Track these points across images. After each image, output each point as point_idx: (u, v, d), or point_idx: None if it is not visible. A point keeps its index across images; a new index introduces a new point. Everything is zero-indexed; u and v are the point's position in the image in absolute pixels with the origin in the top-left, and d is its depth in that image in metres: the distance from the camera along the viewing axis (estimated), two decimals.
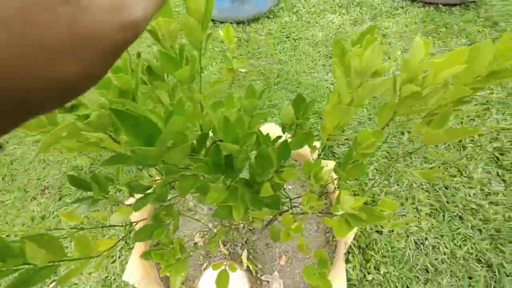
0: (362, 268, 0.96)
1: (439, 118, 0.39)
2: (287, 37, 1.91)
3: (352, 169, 0.46)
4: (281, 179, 0.41)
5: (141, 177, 0.49)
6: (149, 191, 0.51)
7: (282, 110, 0.52)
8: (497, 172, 1.17)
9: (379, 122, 0.45)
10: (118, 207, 1.08)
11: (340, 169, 0.47)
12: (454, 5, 2.02)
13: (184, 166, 0.33)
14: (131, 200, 0.56)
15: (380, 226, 1.05)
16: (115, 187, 1.16)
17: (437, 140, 0.41)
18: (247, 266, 0.87)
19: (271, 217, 0.76)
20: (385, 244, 1.01)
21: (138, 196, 0.49)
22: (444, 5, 2.03)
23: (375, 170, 1.22)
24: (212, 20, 2.10)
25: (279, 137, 0.50)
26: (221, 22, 2.07)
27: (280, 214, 0.62)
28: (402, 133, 1.33)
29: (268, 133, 0.48)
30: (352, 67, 0.36)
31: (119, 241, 0.44)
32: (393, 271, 0.95)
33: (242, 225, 0.96)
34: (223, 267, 0.54)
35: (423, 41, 0.34)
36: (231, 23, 2.05)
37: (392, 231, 1.04)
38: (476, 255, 0.97)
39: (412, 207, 1.10)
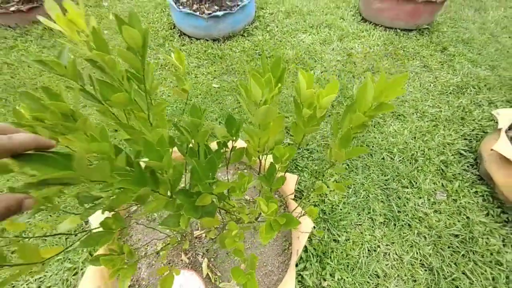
0: (318, 275, 1.02)
1: (343, 139, 0.47)
2: (259, 55, 2.02)
3: (276, 182, 0.53)
4: (209, 189, 0.47)
5: (91, 188, 0.53)
6: (98, 201, 0.55)
7: (216, 129, 0.58)
8: (442, 183, 1.30)
9: (295, 139, 0.53)
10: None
11: (263, 181, 0.54)
12: (411, 30, 2.24)
13: (114, 181, 0.38)
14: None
15: (337, 235, 1.12)
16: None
17: (341, 158, 0.48)
18: (207, 274, 0.91)
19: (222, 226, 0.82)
20: (341, 252, 1.08)
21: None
22: (402, 30, 2.25)
23: (335, 181, 1.30)
24: (189, 37, 2.18)
25: (219, 149, 0.56)
26: (197, 39, 2.16)
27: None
28: (361, 145, 1.44)
29: (208, 147, 0.54)
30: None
31: (65, 249, 0.48)
32: (347, 277, 1.02)
33: (203, 234, 1.00)
34: (167, 271, 0.59)
35: (306, 74, 0.42)
36: (207, 40, 2.14)
37: (348, 239, 1.12)
38: (420, 260, 1.06)
39: (368, 217, 1.19)
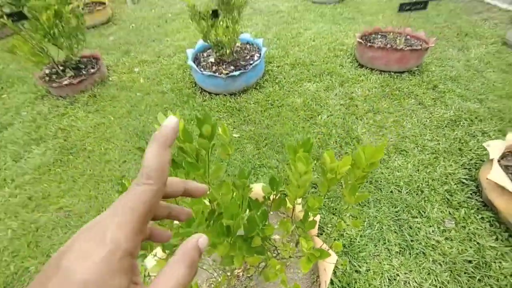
0: None
1: (351, 189, 0.67)
2: (272, 105, 2.31)
3: (309, 224, 0.72)
4: (264, 233, 0.66)
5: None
6: (175, 248, 0.74)
7: (263, 187, 0.79)
8: (449, 211, 1.42)
9: (321, 192, 0.73)
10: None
11: (300, 225, 0.72)
12: (403, 72, 2.51)
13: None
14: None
15: (358, 266, 1.25)
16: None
17: (352, 202, 0.67)
18: None
19: (264, 264, 0.98)
20: (364, 282, 1.19)
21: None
22: (395, 72, 2.52)
23: (351, 217, 1.45)
24: (209, 93, 2.52)
25: (264, 201, 0.76)
26: (216, 94, 2.49)
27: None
28: (370, 182, 1.61)
29: (256, 199, 0.74)
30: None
31: None
32: None
33: (241, 273, 1.15)
34: None
35: (328, 155, 0.63)
36: (225, 95, 2.46)
37: (369, 270, 1.24)
38: (440, 287, 1.16)
39: (384, 247, 1.31)
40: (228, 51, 2.38)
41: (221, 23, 2.26)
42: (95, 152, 2.05)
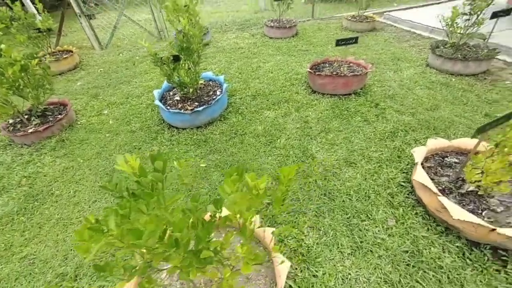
0: None
1: (276, 202, 0.85)
2: (235, 134, 2.52)
3: (246, 233, 0.88)
4: (210, 246, 0.81)
5: (131, 260, 0.85)
6: (135, 269, 0.87)
7: (208, 207, 0.95)
8: (391, 211, 1.65)
9: (255, 206, 0.90)
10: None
11: (240, 234, 0.89)
12: (349, 94, 2.89)
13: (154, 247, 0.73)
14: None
15: (316, 271, 1.40)
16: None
17: (277, 212, 0.86)
18: None
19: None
20: (320, 285, 1.34)
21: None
22: (343, 95, 2.89)
23: (308, 228, 1.62)
24: (177, 128, 2.70)
25: (212, 221, 0.92)
26: (184, 129, 2.67)
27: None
28: (325, 194, 1.82)
29: (203, 219, 0.90)
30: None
31: None
32: None
33: None
34: None
35: (249, 177, 0.82)
36: (192, 128, 2.65)
37: (325, 273, 1.39)
38: (384, 278, 1.33)
39: (338, 251, 1.48)
40: (191, 90, 2.62)
41: (183, 65, 2.52)
42: (63, 195, 2.10)
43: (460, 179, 1.57)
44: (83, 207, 1.98)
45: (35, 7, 4.96)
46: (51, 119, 2.81)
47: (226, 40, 4.92)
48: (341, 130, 2.41)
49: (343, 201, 1.76)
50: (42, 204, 2.03)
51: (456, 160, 1.72)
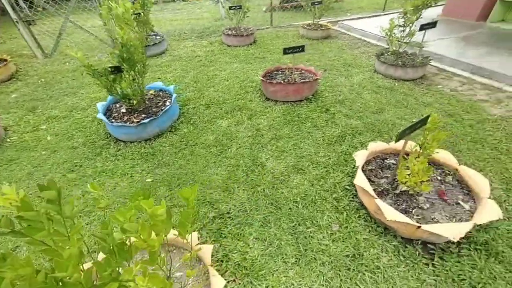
0: None
1: (180, 227, 0.80)
2: (186, 145, 2.44)
3: (152, 261, 0.81)
4: (118, 279, 0.73)
5: None
6: None
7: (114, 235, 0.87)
8: (335, 216, 1.67)
9: (159, 231, 0.84)
10: None
11: (145, 263, 0.82)
12: (301, 101, 2.95)
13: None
14: None
15: (258, 285, 1.35)
16: None
17: (183, 235, 0.80)
18: None
19: None
20: None
21: None
22: (295, 101, 2.95)
23: (254, 239, 1.59)
24: (124, 142, 2.54)
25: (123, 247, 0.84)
26: (131, 142, 2.52)
27: None
28: (272, 203, 1.80)
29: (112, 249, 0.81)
30: None
31: None
32: None
33: None
34: None
35: (144, 204, 0.77)
36: (139, 142, 2.51)
37: (268, 286, 1.35)
38: (325, 285, 1.33)
39: (282, 262, 1.46)
40: (135, 102, 2.49)
41: (125, 76, 2.39)
42: None
43: (395, 180, 1.64)
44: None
45: None
46: None
47: (183, 48, 4.83)
48: (291, 137, 2.44)
49: (290, 208, 1.75)
50: None
51: (394, 162, 1.81)
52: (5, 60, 4.08)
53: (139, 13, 4.21)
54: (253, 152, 2.27)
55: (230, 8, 4.69)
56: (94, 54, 4.84)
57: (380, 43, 4.67)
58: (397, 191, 1.59)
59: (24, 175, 2.23)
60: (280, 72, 3.26)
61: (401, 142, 1.85)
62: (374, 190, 1.59)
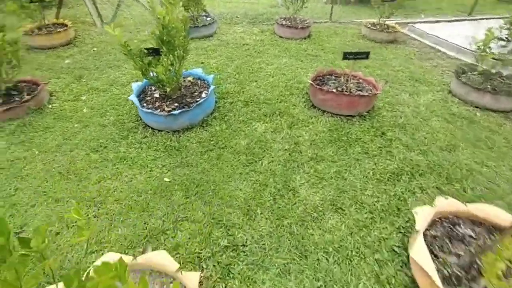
0: None
1: None
2: (214, 145, 2.15)
3: None
4: None
5: None
6: None
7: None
8: None
9: None
10: None
11: None
12: (353, 116, 2.46)
13: None
14: None
15: None
16: None
17: None
18: None
19: None
20: None
21: None
22: (346, 116, 2.47)
23: None
24: (152, 129, 2.33)
25: None
26: (159, 131, 2.31)
27: None
28: (297, 247, 1.44)
29: None
30: None
31: None
32: None
33: None
34: None
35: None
36: (167, 132, 2.29)
37: None
38: None
39: None
40: (168, 89, 2.24)
41: (164, 60, 2.14)
42: (3, 192, 1.78)
43: (475, 266, 1.17)
44: (18, 210, 1.66)
45: None
46: (17, 99, 2.48)
47: (233, 34, 4.48)
48: (335, 161, 2.01)
49: (318, 260, 1.38)
50: None
51: (471, 234, 1.32)
52: (66, 26, 4.13)
53: None
54: (286, 172, 1.90)
55: None
56: (145, 28, 4.73)
57: (460, 55, 3.83)
58: (477, 287, 1.11)
59: (53, 147, 2.15)
60: (333, 78, 2.77)
61: (488, 207, 1.34)
62: (438, 270, 1.14)
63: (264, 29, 4.71)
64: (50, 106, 2.63)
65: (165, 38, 1.99)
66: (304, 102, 2.71)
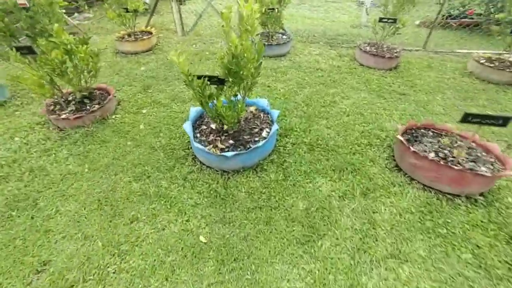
0: None
1: None
2: (266, 201, 1.74)
3: None
4: None
5: None
6: None
7: None
8: None
9: None
10: None
11: None
12: (458, 196, 1.75)
13: None
14: None
15: None
16: None
17: None
18: None
19: None
20: None
21: None
22: (446, 194, 1.77)
23: None
24: (201, 162, 2.06)
25: None
26: (208, 167, 2.01)
27: None
28: None
29: None
30: None
31: None
32: None
33: None
34: None
35: None
36: (216, 171, 1.98)
37: None
38: None
39: None
40: (226, 127, 1.92)
41: (227, 90, 1.83)
42: (44, 211, 1.70)
43: None
44: (50, 238, 1.53)
45: None
46: (87, 107, 2.51)
47: (307, 55, 4.04)
48: (428, 269, 1.38)
49: None
50: (18, 217, 1.67)
51: None
52: (151, 33, 4.31)
53: (273, 9, 3.63)
54: (353, 268, 1.36)
55: (380, 20, 3.54)
56: (219, 40, 4.66)
57: None
58: None
59: (102, 165, 2.05)
60: (431, 134, 2.09)
61: None
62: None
63: (343, 53, 4.14)
64: (113, 117, 2.61)
65: (233, 68, 1.68)
66: (386, 159, 2.10)
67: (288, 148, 2.20)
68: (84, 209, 1.72)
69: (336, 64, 3.76)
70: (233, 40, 1.60)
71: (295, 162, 2.06)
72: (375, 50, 3.72)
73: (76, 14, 6.21)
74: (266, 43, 3.81)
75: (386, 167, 2.02)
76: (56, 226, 1.61)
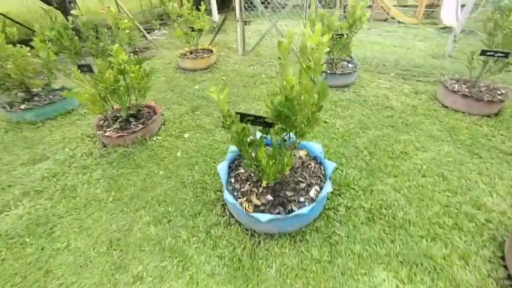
0: None
1: None
2: None
3: None
4: None
5: None
6: None
7: None
8: None
9: None
10: None
11: None
12: None
13: None
14: None
15: None
16: None
17: None
18: None
19: None
20: None
21: None
22: None
23: None
24: (230, 213, 1.70)
25: None
26: (237, 222, 1.65)
27: None
28: None
29: None
30: None
31: None
32: None
33: None
34: None
35: None
36: (245, 230, 1.59)
37: None
38: None
39: None
40: (265, 183, 1.53)
41: (275, 133, 1.45)
42: (56, 243, 1.55)
43: None
44: (47, 283, 1.34)
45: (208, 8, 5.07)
46: (132, 126, 2.43)
47: (375, 88, 3.44)
48: None
49: None
50: (30, 245, 1.54)
51: None
52: (211, 51, 4.29)
53: (342, 34, 3.18)
54: None
55: (482, 52, 2.74)
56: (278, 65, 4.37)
57: None
58: None
59: (127, 196, 1.87)
60: None
61: None
62: None
63: (420, 89, 3.41)
64: (154, 138, 2.48)
65: (284, 112, 1.29)
66: (489, 261, 1.40)
67: (340, 211, 1.69)
68: (93, 249, 1.51)
69: (411, 103, 3.07)
70: (289, 80, 1.22)
71: (348, 237, 1.54)
72: (467, 90, 2.92)
73: (156, 31, 6.79)
74: (329, 71, 3.37)
75: (489, 275, 1.34)
76: (59, 267, 1.42)
